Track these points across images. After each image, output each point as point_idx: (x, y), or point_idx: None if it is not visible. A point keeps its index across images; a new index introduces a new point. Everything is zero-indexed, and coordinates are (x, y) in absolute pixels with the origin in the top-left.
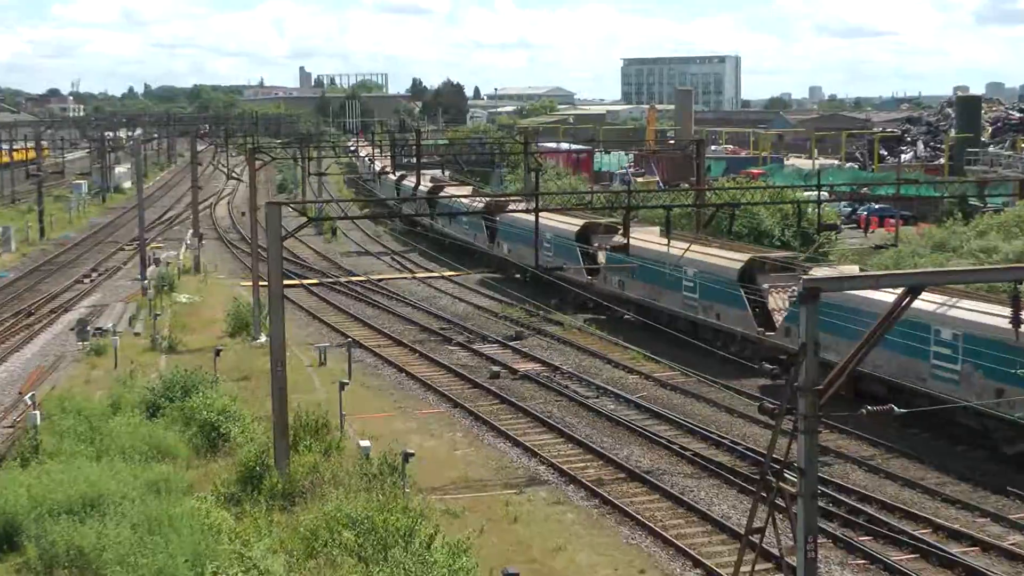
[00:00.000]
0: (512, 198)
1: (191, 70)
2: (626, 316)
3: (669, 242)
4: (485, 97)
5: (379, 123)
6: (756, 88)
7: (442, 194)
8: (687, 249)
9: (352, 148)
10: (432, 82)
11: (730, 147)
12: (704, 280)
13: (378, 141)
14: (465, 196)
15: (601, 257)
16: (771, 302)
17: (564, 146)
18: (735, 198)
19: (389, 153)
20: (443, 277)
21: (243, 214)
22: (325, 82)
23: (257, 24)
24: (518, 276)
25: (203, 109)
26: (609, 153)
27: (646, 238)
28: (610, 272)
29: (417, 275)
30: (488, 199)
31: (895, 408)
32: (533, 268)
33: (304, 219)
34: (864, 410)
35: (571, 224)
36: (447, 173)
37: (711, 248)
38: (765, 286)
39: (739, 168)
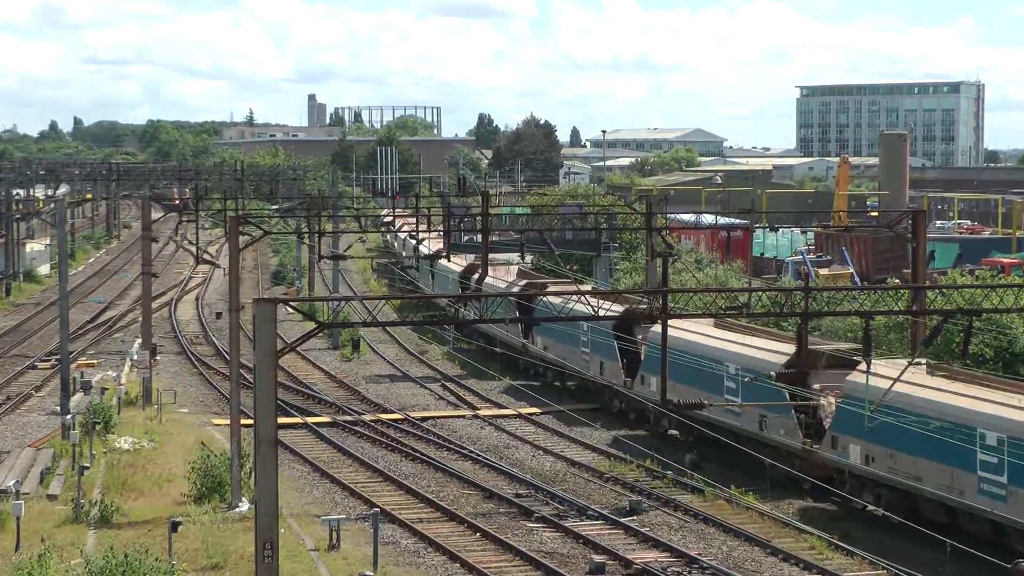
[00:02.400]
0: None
1: (144, 97)
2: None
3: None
4: (587, 144)
5: (427, 181)
6: (1008, 133)
7: (539, 290)
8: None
9: (386, 218)
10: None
11: (966, 223)
12: (745, 376)
13: (425, 209)
14: (574, 293)
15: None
16: (824, 407)
17: (708, 219)
18: (974, 302)
19: (442, 227)
20: (524, 417)
21: (219, 315)
22: (347, 119)
23: (244, 31)
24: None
25: (162, 157)
26: (777, 230)
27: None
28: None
29: (481, 412)
30: (627, 304)
31: None
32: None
33: (312, 325)
34: None
35: (776, 352)
36: (529, 259)
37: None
38: (816, 386)
39: (980, 255)
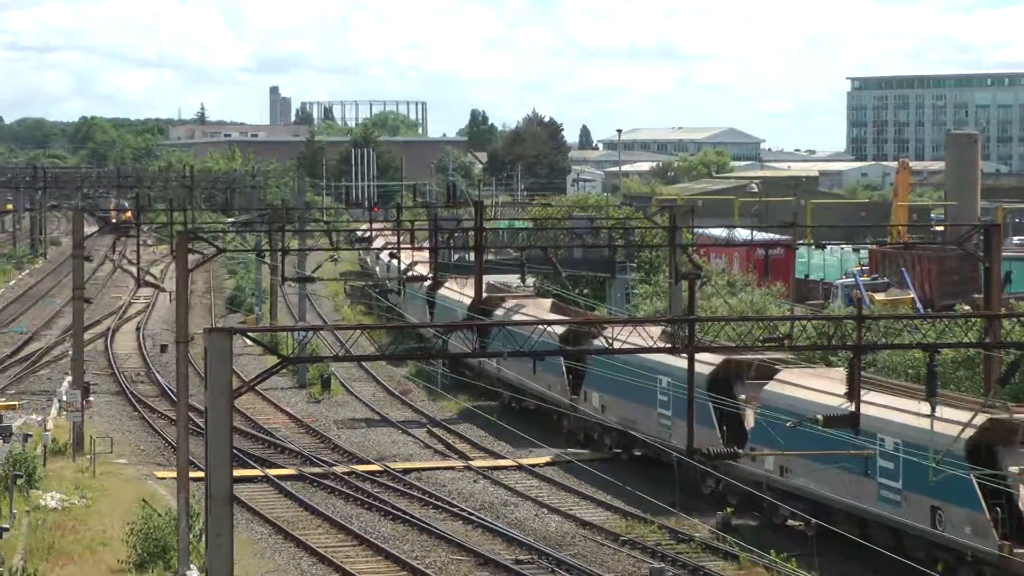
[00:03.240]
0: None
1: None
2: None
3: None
4: (599, 145)
5: (410, 189)
6: None
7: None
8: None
9: (363, 234)
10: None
11: None
12: (909, 453)
13: (408, 222)
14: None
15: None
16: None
17: (742, 234)
18: None
19: (428, 243)
20: (526, 469)
21: (164, 348)
22: (315, 115)
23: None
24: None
25: (97, 160)
26: (824, 248)
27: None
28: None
29: (475, 462)
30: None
31: None
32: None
33: (274, 359)
34: None
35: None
36: (533, 281)
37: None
38: (1014, 469)
39: None
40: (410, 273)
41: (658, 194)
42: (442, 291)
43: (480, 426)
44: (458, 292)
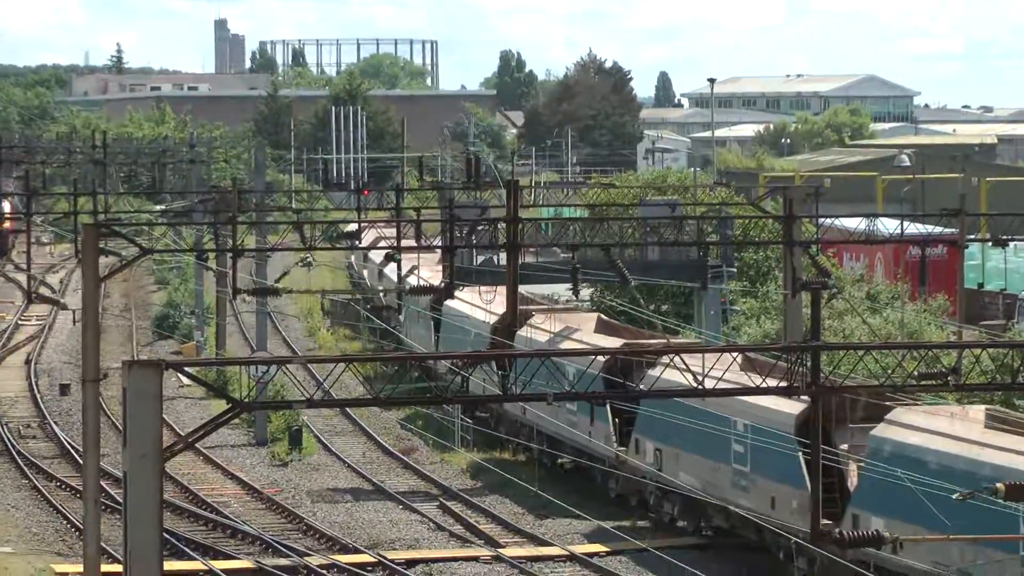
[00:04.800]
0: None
1: None
2: None
3: None
4: (684, 102)
5: (415, 164)
6: None
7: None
8: None
9: (347, 226)
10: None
11: None
12: None
13: (411, 211)
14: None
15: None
16: None
17: (888, 225)
18: None
19: (441, 240)
20: (580, 559)
21: (64, 390)
22: (280, 60)
23: None
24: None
25: None
26: (1005, 246)
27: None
28: None
29: (508, 550)
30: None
31: None
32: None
33: (222, 404)
34: None
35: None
36: (589, 293)
37: None
38: None
39: None
40: (413, 282)
41: (768, 170)
42: (452, 303)
43: (513, 497)
44: (474, 305)
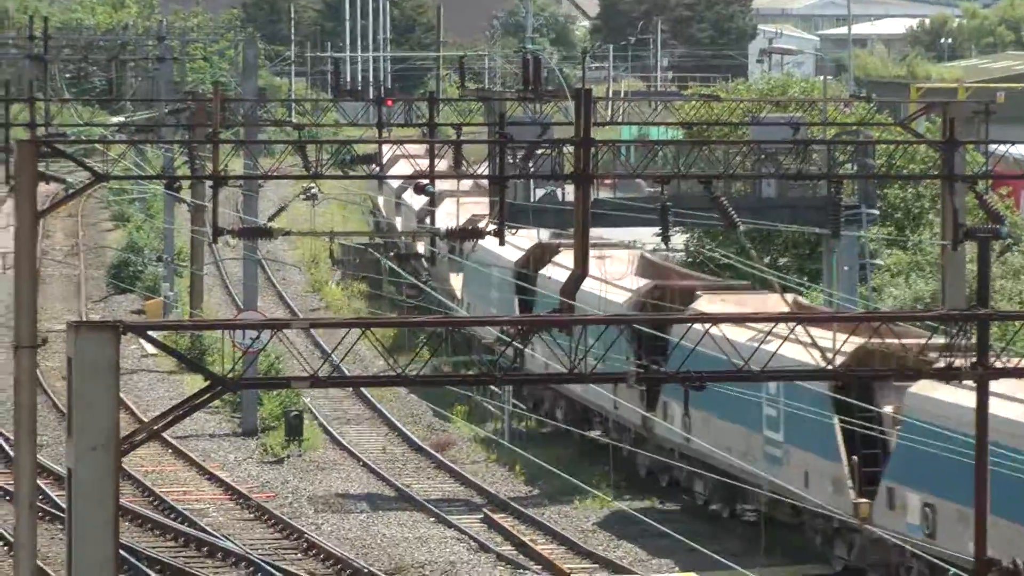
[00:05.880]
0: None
1: None
2: None
3: None
4: None
5: (454, 66)
6: None
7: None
8: None
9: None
10: None
11: None
12: None
13: (447, 127)
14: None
15: None
16: None
17: None
18: None
19: (488, 168)
20: None
21: None
22: None
23: None
24: None
25: None
26: None
27: None
28: None
29: None
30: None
31: None
32: None
33: (199, 381)
34: None
35: None
36: (684, 240)
37: None
38: None
39: None
40: (451, 225)
41: (922, 79)
42: (485, 246)
43: (580, 508)
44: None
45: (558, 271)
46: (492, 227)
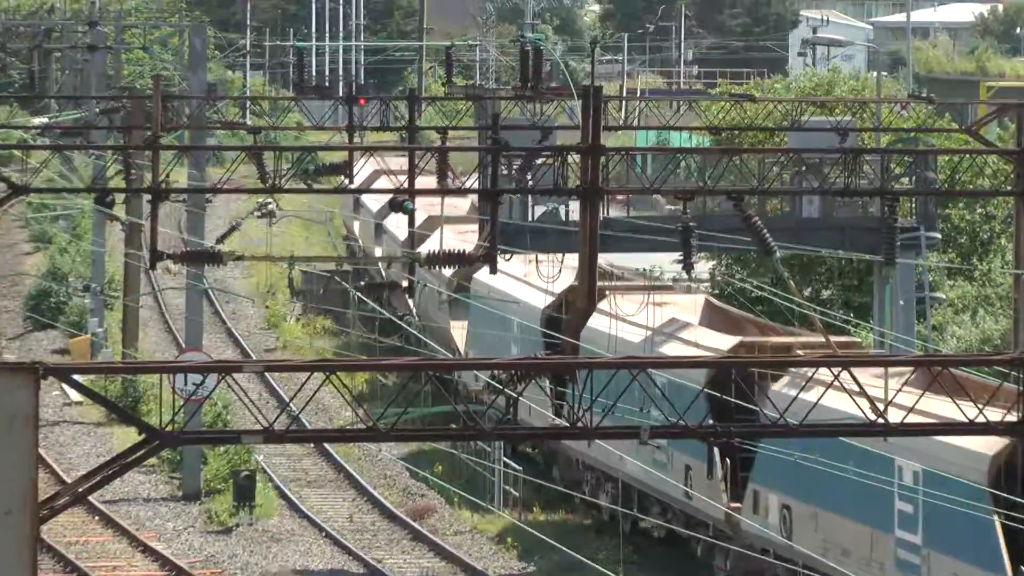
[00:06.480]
0: None
1: None
2: None
3: None
4: None
5: (439, 58)
6: None
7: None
8: None
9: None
10: None
11: None
12: None
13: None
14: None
15: None
16: None
17: None
18: None
19: (478, 179)
20: None
21: None
22: None
23: None
24: None
25: None
26: None
27: None
28: None
29: None
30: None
31: None
32: None
33: (133, 435)
34: None
35: None
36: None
37: None
38: None
39: None
40: (432, 247)
41: (993, 76)
42: (487, 279)
43: None
44: (523, 282)
45: (607, 321)
46: (482, 250)
